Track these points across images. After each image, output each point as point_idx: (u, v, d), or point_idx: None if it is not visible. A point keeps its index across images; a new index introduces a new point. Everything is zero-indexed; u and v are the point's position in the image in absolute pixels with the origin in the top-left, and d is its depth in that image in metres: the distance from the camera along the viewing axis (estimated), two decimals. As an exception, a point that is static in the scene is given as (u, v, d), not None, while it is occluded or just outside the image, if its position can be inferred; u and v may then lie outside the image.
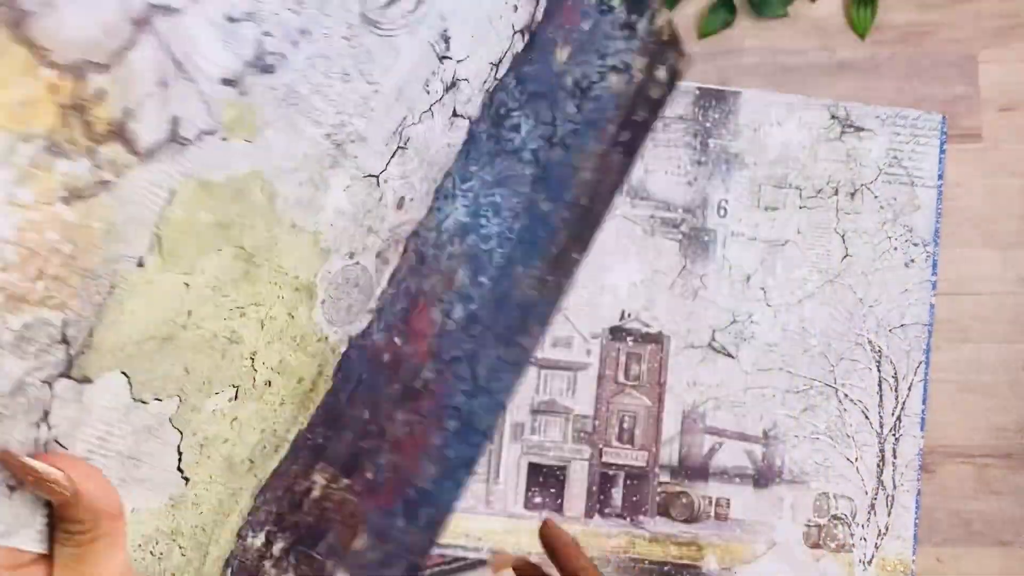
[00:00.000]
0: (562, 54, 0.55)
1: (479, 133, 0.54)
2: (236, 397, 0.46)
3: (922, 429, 0.88)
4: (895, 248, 0.98)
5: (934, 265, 0.91)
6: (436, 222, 0.54)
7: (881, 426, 0.97)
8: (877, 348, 0.97)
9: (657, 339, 0.98)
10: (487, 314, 0.58)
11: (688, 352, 0.98)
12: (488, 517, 0.94)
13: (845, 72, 0.93)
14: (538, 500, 0.95)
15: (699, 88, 1.00)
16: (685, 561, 0.95)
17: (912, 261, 0.97)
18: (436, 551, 0.93)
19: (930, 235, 0.97)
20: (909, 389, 0.97)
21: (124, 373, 0.40)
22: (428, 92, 0.49)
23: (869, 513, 0.96)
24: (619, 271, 0.99)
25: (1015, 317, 0.84)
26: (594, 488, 0.96)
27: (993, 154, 0.85)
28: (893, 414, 0.97)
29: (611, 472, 0.96)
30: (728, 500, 0.97)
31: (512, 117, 0.55)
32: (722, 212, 1.00)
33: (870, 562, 0.96)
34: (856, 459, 0.97)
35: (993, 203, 0.85)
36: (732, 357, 0.98)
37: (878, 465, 0.97)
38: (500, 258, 0.58)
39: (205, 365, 0.44)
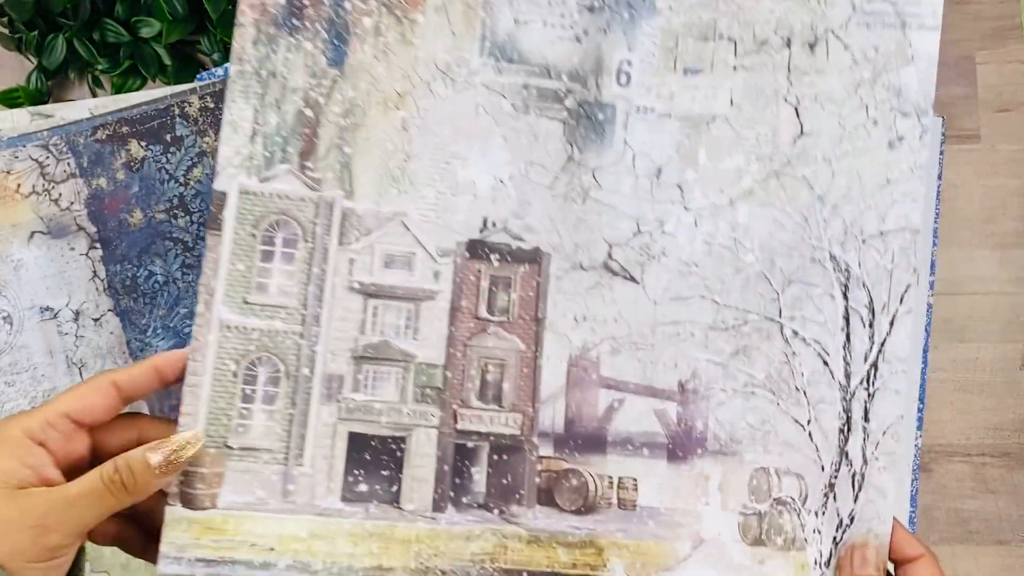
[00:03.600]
0: None
1: None
2: None
3: (919, 428, 0.81)
4: (874, 121, 0.70)
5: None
6: None
7: (847, 377, 0.70)
8: (843, 266, 0.70)
9: (533, 258, 0.70)
10: None
11: (575, 275, 0.70)
12: (284, 517, 0.64)
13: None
14: (363, 488, 0.66)
15: (590, -95, 0.71)
16: (580, 572, 0.67)
17: (900, 139, 0.70)
18: (200, 567, 0.62)
19: (926, 101, 0.70)
20: (891, 324, 0.70)
21: None
22: None
23: (826, 497, 0.69)
24: (478, 163, 0.70)
25: (1012, 317, 0.83)
26: (446, 468, 0.67)
27: (991, 155, 0.85)
28: (866, 360, 0.70)
29: (470, 444, 0.67)
30: (635, 481, 0.69)
31: None
32: (623, 79, 0.71)
33: (827, 563, 0.69)
34: (809, 422, 0.70)
35: (991, 204, 0.85)
36: (636, 282, 0.70)
37: (841, 431, 0.70)
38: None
39: None
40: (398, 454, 0.66)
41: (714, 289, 0.70)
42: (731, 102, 0.71)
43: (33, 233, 0.79)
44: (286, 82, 0.69)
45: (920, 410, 0.84)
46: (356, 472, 0.65)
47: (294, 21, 0.69)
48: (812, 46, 0.71)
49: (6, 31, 0.83)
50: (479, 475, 0.67)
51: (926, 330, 0.83)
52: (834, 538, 0.69)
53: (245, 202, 0.67)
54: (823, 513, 0.69)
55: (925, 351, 0.83)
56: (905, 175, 0.70)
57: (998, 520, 0.84)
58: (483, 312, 0.69)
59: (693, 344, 0.70)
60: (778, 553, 0.69)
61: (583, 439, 0.69)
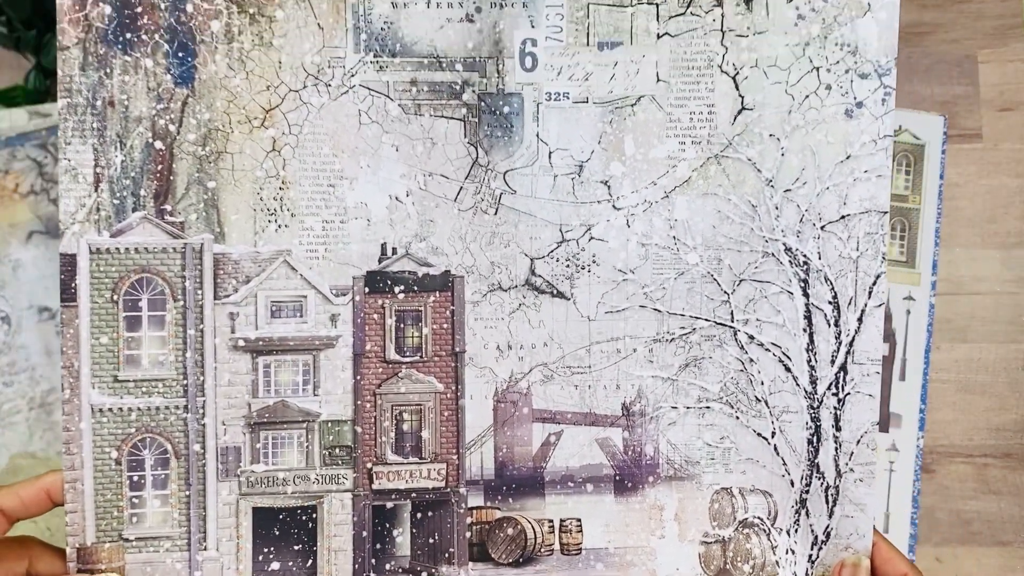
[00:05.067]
0: None
1: None
2: None
3: (921, 429, 0.80)
4: (827, 87, 0.59)
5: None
6: None
7: (813, 382, 0.61)
8: (801, 259, 0.61)
9: (443, 284, 0.61)
10: None
11: (494, 298, 0.61)
12: (190, 609, 0.58)
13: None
14: (275, 567, 0.60)
15: None
16: (528, 612, 0.61)
17: (859, 105, 0.59)
18: None
19: (888, 57, 0.58)
20: (860, 321, 0.60)
21: None
22: None
23: (798, 514, 0.62)
24: (368, 181, 0.60)
25: (1014, 317, 0.83)
26: (365, 534, 0.60)
27: (993, 154, 0.85)
28: (833, 361, 0.61)
29: (390, 504, 0.61)
30: (578, 522, 0.62)
31: None
32: (528, 62, 0.60)
33: (804, 579, 0.62)
34: (773, 434, 0.62)
35: (993, 203, 0.84)
36: (565, 298, 0.61)
37: (810, 442, 0.62)
38: None
39: None
40: (310, 525, 0.59)
41: (655, 297, 0.61)
42: (657, 78, 0.60)
43: (31, 233, 0.77)
44: (127, 111, 0.58)
45: (922, 411, 0.81)
46: (266, 550, 0.59)
47: (127, 35, 0.58)
48: (748, 1, 0.59)
49: (4, 30, 0.80)
50: (402, 537, 0.60)
51: (928, 330, 0.81)
52: (809, 556, 0.62)
53: (98, 263, 0.58)
54: (795, 531, 0.62)
55: (927, 352, 0.81)
56: (867, 148, 0.59)
57: (1000, 521, 0.83)
58: (392, 354, 0.61)
59: (636, 361, 0.62)
60: (745, 581, 0.62)
61: (517, 483, 0.61)
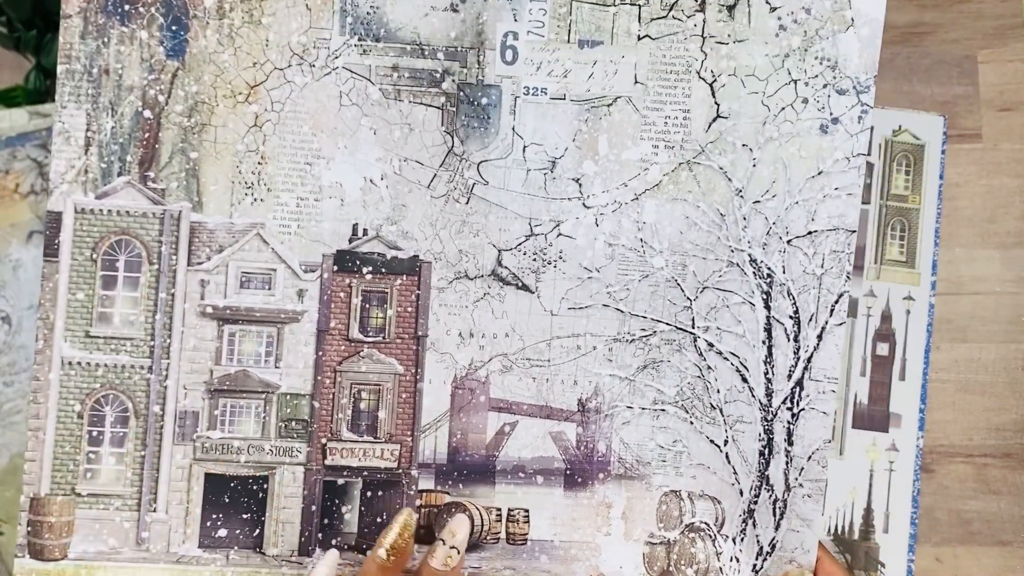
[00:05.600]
0: None
1: None
2: None
3: (921, 429, 0.79)
4: (803, 100, 0.59)
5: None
6: None
7: (768, 395, 0.62)
8: (765, 271, 0.61)
9: (411, 268, 0.62)
10: None
11: (460, 286, 0.62)
12: (139, 566, 0.60)
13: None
14: (223, 533, 0.61)
15: None
16: (472, 599, 0.62)
17: (834, 121, 0.59)
18: (47, 626, 0.59)
19: (868, 75, 0.59)
20: (819, 339, 0.61)
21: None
22: None
23: (745, 523, 0.62)
24: (345, 162, 0.61)
25: (1014, 317, 0.83)
26: (314, 508, 0.61)
27: (992, 154, 0.85)
28: (790, 376, 0.61)
29: (341, 481, 0.62)
30: (526, 512, 0.62)
31: None
32: (509, 55, 0.61)
33: (749, 590, 0.62)
34: (726, 442, 0.62)
35: (992, 203, 0.84)
36: (530, 291, 0.62)
37: (762, 453, 0.62)
38: None
39: None
40: (260, 495, 0.61)
41: (618, 297, 0.62)
42: (635, 80, 0.60)
43: (32, 233, 0.77)
44: (120, 80, 0.60)
45: (922, 411, 0.80)
46: (215, 516, 0.61)
47: (126, 7, 0.60)
48: (731, 8, 0.59)
49: (4, 30, 0.81)
50: (351, 515, 0.62)
51: (928, 330, 0.80)
52: (754, 566, 0.63)
53: (82, 222, 0.60)
54: (741, 540, 0.62)
55: (927, 352, 0.80)
56: (840, 165, 0.59)
57: (1000, 521, 0.82)
58: (355, 333, 0.62)
59: (595, 358, 0.62)
60: (688, 586, 0.62)
61: (469, 469, 0.62)
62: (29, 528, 0.59)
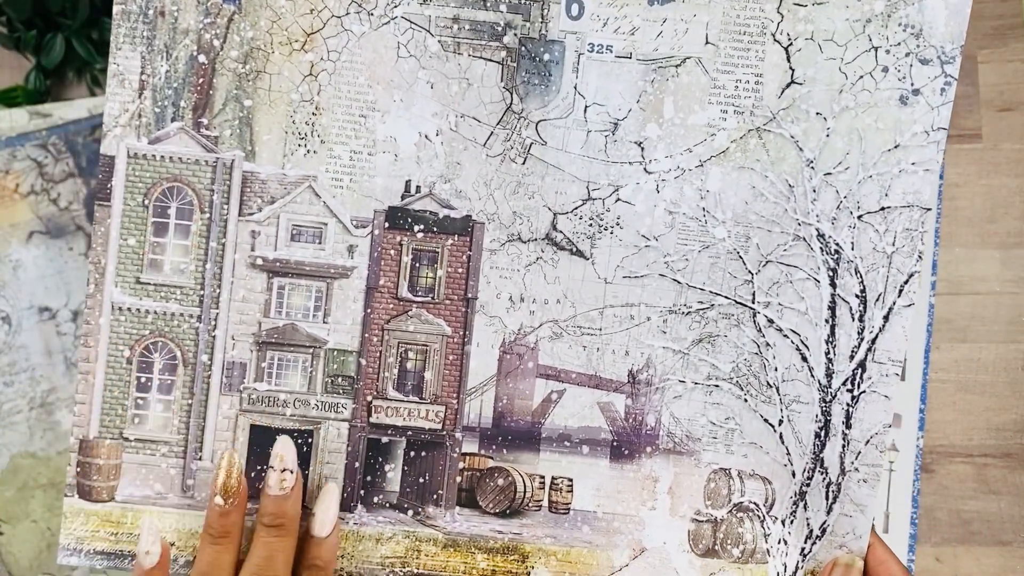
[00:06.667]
0: None
1: None
2: None
3: (921, 429, 0.80)
4: (883, 69, 0.56)
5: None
6: None
7: (828, 376, 0.59)
8: (833, 247, 0.58)
9: (463, 228, 0.60)
10: None
11: (512, 249, 0.60)
12: (184, 512, 0.61)
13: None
14: (267, 482, 0.61)
15: None
16: None
17: (915, 93, 0.56)
18: (99, 559, 0.60)
19: (954, 45, 0.55)
20: (886, 319, 0.58)
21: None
22: None
23: (796, 505, 0.60)
24: (400, 116, 0.59)
25: (1014, 317, 0.83)
26: (357, 465, 0.61)
27: (992, 154, 0.84)
28: (852, 358, 0.59)
29: (385, 439, 0.61)
30: (570, 482, 0.61)
31: None
32: (575, 10, 0.58)
33: None
34: (780, 422, 0.60)
35: (992, 203, 0.84)
36: (584, 257, 0.60)
37: (818, 435, 0.60)
38: None
39: None
40: (304, 449, 0.61)
41: (676, 267, 0.60)
42: (706, 40, 0.57)
43: (32, 233, 0.77)
44: (176, 23, 0.59)
45: (922, 411, 0.79)
46: (259, 467, 0.61)
47: (183, -54, 0.59)
48: (812, -33, 0.56)
49: (4, 30, 0.81)
50: (393, 473, 0.61)
51: (927, 330, 0.80)
52: (802, 550, 0.61)
53: (134, 167, 0.60)
54: (791, 522, 0.61)
55: (927, 352, 0.79)
56: (918, 139, 0.56)
57: (1000, 521, 0.82)
58: (404, 291, 0.61)
59: (648, 329, 0.60)
60: (732, 566, 0.61)
61: (514, 435, 0.61)
62: (79, 469, 0.60)
